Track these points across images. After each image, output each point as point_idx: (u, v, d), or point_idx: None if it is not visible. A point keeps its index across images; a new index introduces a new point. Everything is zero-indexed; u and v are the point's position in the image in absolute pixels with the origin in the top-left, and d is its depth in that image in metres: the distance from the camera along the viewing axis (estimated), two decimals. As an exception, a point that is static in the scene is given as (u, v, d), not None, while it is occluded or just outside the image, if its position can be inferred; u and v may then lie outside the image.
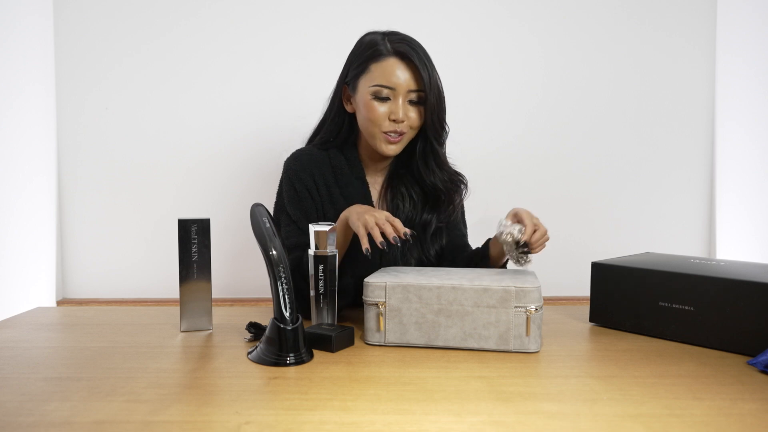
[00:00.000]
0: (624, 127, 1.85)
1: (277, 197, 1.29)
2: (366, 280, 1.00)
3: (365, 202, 1.24)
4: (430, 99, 1.16)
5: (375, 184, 1.30)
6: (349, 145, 1.28)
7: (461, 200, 1.31)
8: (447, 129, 1.24)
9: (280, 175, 1.31)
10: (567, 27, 1.81)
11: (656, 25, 1.83)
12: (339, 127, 1.27)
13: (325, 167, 1.25)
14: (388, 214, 1.06)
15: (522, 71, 1.81)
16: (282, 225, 1.25)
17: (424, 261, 1.28)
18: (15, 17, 1.55)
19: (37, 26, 1.65)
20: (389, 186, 1.29)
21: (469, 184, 1.31)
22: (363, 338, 1.01)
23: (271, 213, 1.01)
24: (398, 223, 1.04)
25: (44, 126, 1.68)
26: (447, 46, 1.78)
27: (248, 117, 1.76)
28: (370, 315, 1.00)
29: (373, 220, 1.03)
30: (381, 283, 0.99)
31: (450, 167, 1.28)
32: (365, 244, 1.02)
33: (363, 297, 1.00)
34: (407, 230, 1.03)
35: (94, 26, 1.72)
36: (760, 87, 1.68)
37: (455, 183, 1.27)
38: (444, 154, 1.26)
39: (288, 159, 1.28)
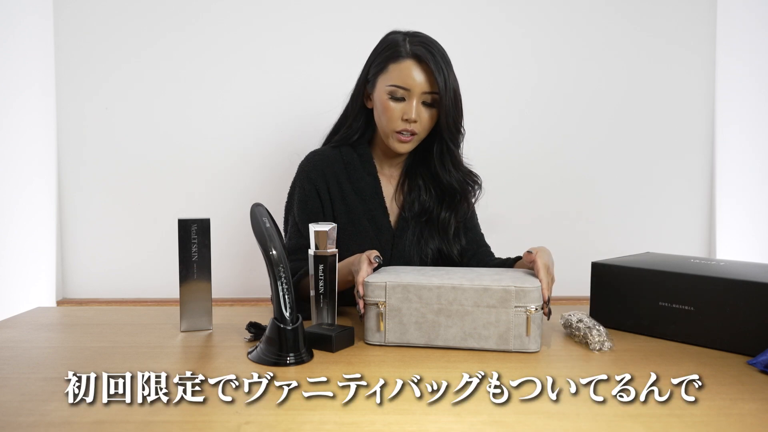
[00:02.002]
0: (624, 127, 1.85)
1: (288, 197, 1.33)
2: (366, 279, 1.00)
3: (377, 198, 1.28)
4: (444, 102, 1.19)
5: (391, 178, 1.34)
6: (363, 141, 1.31)
7: (476, 199, 1.35)
8: (463, 131, 1.27)
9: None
10: (569, 33, 1.81)
11: (657, 31, 1.83)
12: (359, 122, 1.30)
13: (337, 165, 1.28)
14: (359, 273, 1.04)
15: (528, 76, 1.81)
16: (289, 226, 1.30)
17: (444, 253, 1.32)
18: (15, 18, 1.55)
19: (37, 27, 1.65)
20: (406, 179, 1.33)
21: (483, 184, 1.35)
22: (363, 338, 1.02)
23: (271, 213, 1.01)
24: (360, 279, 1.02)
25: (44, 126, 1.68)
26: (451, 48, 1.78)
27: (249, 117, 1.76)
28: (370, 315, 1.00)
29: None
30: (381, 283, 0.99)
31: (465, 167, 1.31)
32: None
33: (363, 297, 1.01)
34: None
35: (94, 27, 1.72)
36: (760, 89, 1.68)
37: (470, 183, 1.31)
38: (459, 155, 1.30)
39: (302, 161, 1.32)
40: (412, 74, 1.18)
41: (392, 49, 1.21)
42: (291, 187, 1.33)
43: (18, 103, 1.56)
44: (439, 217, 1.30)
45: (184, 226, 1.07)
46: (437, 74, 1.17)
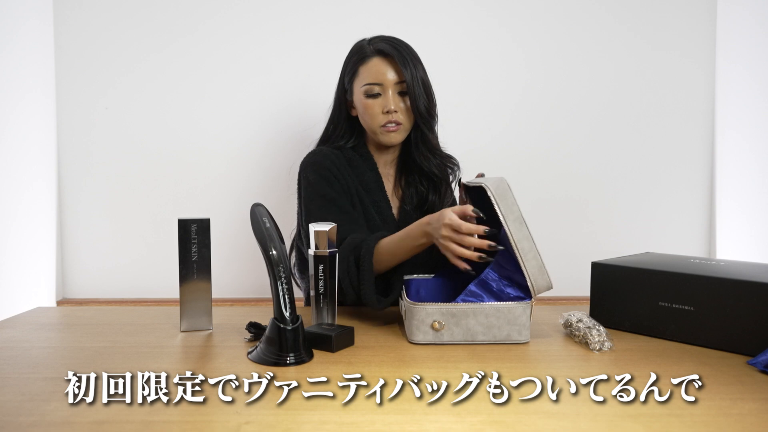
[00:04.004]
0: (624, 127, 1.85)
1: (303, 191, 1.30)
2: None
3: (380, 192, 1.33)
4: (414, 89, 1.25)
5: (388, 176, 1.39)
6: (359, 144, 1.37)
7: (455, 182, 1.40)
8: (436, 117, 1.33)
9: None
10: (570, 40, 1.82)
11: (658, 35, 1.84)
12: (348, 132, 1.36)
13: (340, 160, 1.32)
14: (459, 225, 1.01)
15: (524, 73, 1.81)
16: (314, 211, 1.25)
17: None
18: (16, 22, 1.55)
19: (38, 31, 1.65)
20: (402, 175, 1.40)
21: (461, 166, 1.40)
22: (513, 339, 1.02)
23: (271, 213, 1.01)
24: (474, 239, 1.00)
25: (45, 127, 1.68)
26: (451, 47, 1.79)
27: (249, 118, 1.76)
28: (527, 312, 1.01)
29: (453, 246, 1.01)
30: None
31: (442, 152, 1.38)
32: (463, 265, 1.02)
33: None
34: (489, 243, 0.99)
35: (94, 30, 1.72)
36: (759, 92, 1.69)
37: (448, 166, 1.38)
38: (435, 139, 1.35)
39: (305, 158, 1.34)
40: (380, 69, 1.26)
41: (358, 53, 1.30)
42: (303, 181, 1.30)
43: (20, 107, 1.56)
44: (429, 203, 1.37)
45: (184, 226, 1.07)
46: (402, 64, 1.25)
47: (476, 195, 1.26)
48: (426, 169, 1.35)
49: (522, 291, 1.05)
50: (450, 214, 1.02)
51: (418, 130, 1.32)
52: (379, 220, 1.32)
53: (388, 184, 1.39)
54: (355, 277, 1.12)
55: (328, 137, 1.38)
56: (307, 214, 1.28)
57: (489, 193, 0.99)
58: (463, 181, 1.15)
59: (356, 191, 1.31)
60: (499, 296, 1.06)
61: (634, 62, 1.83)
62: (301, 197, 1.32)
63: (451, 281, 1.25)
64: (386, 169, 1.39)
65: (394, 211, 1.37)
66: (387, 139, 1.29)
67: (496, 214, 1.00)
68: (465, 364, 0.90)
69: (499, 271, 1.08)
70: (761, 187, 1.68)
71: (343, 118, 1.36)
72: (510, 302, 1.01)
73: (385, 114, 1.27)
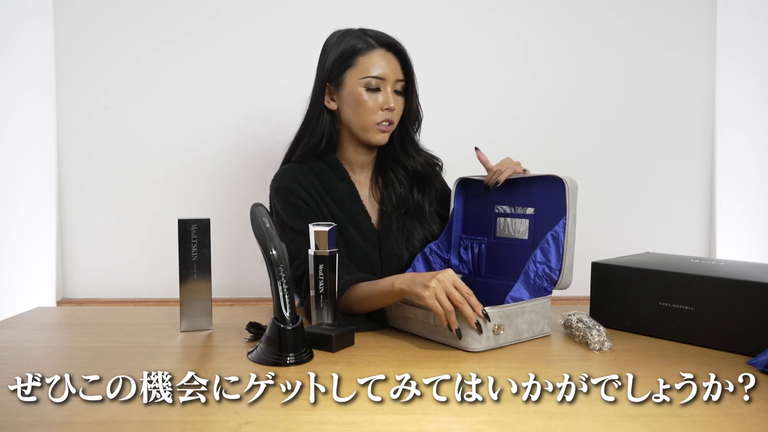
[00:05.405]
0: (624, 127, 1.85)
1: (275, 218, 1.24)
2: None
3: (354, 202, 1.25)
4: (412, 88, 1.23)
5: (363, 180, 1.32)
6: (329, 150, 1.27)
7: (440, 181, 1.36)
8: (421, 115, 1.30)
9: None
10: (569, 31, 1.82)
11: (657, 27, 1.83)
12: (323, 126, 1.25)
13: (309, 176, 1.24)
14: (455, 280, 0.96)
15: (524, 74, 1.81)
16: (288, 242, 1.18)
17: (429, 239, 1.31)
18: (16, 21, 1.55)
19: (38, 31, 1.65)
20: (378, 175, 1.32)
21: (444, 165, 1.37)
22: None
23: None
24: (473, 298, 0.96)
25: (45, 127, 1.68)
26: (452, 47, 1.79)
27: (248, 117, 1.76)
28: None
29: (445, 300, 0.94)
30: None
31: (425, 151, 1.33)
32: (453, 324, 0.96)
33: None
34: (484, 308, 0.96)
35: (93, 28, 1.72)
36: (759, 90, 1.69)
37: (432, 165, 1.33)
38: (418, 139, 1.32)
39: (272, 181, 1.25)
40: (385, 63, 1.19)
41: (354, 44, 1.20)
42: (272, 209, 1.25)
43: (20, 107, 1.56)
44: (414, 203, 1.30)
45: (184, 226, 1.07)
46: (408, 62, 1.21)
47: (472, 190, 1.27)
48: (410, 167, 1.29)
49: (548, 282, 1.09)
50: (453, 272, 0.98)
51: (404, 129, 1.27)
52: (358, 236, 1.23)
53: (364, 190, 1.30)
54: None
55: (300, 136, 1.29)
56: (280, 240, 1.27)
57: (566, 185, 1.08)
58: (529, 173, 1.19)
59: (330, 209, 1.22)
60: (533, 288, 1.08)
61: (633, 62, 1.83)
62: (273, 222, 1.26)
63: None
64: (361, 173, 1.31)
65: (374, 221, 1.27)
66: (378, 138, 1.21)
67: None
68: (464, 364, 0.90)
69: (538, 260, 1.09)
70: (761, 187, 1.68)
71: (318, 111, 1.24)
72: (543, 297, 1.06)
73: (384, 111, 1.19)
